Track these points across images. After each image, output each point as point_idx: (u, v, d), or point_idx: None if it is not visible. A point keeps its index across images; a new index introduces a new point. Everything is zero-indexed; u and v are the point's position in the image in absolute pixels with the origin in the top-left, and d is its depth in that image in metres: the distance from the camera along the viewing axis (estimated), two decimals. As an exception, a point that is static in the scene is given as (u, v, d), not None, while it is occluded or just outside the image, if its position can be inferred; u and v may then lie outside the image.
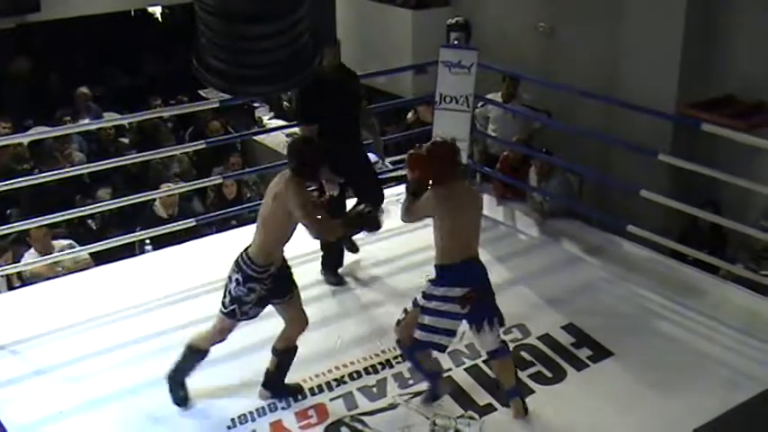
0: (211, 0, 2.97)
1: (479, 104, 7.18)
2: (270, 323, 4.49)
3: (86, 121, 9.01)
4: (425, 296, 4.19)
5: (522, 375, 4.63)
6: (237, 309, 4.27)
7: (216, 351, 4.53)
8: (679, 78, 7.12)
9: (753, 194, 5.49)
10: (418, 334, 4.20)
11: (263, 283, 4.25)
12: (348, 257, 5.78)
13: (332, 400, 4.51)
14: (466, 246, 4.18)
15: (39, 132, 7.74)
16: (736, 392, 4.44)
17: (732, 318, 5.08)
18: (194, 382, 4.56)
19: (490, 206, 6.71)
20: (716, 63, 7.09)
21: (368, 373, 4.70)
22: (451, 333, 4.22)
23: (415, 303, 4.28)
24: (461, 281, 4.12)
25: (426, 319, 4.17)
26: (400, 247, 6.03)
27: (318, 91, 5.22)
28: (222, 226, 6.83)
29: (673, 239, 5.95)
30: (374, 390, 4.57)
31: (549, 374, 4.69)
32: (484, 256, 5.73)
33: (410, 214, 4.34)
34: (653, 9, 7.23)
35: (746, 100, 6.90)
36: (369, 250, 5.89)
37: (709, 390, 4.49)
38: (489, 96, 7.27)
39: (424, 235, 6.08)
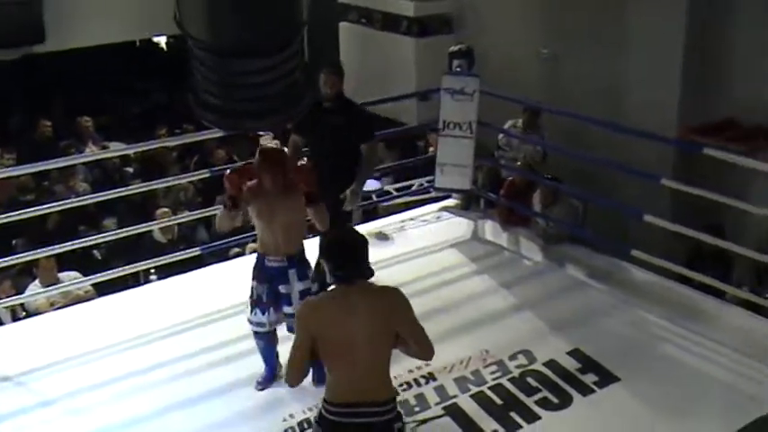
0: (204, 36, 2.97)
1: (500, 136, 7.27)
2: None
3: (89, 150, 9.04)
4: None
5: (529, 401, 4.62)
6: None
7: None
8: (679, 103, 7.16)
9: (757, 217, 5.49)
10: None
11: None
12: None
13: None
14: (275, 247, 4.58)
15: (43, 163, 7.73)
16: (742, 416, 4.41)
17: (737, 341, 5.05)
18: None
19: (494, 232, 6.73)
20: (715, 87, 7.12)
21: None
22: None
23: None
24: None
25: None
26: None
27: (312, 113, 4.70)
28: (220, 256, 6.73)
29: (678, 263, 5.93)
30: None
31: (555, 400, 4.66)
32: (488, 282, 5.83)
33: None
34: (653, 35, 7.29)
35: (746, 123, 6.93)
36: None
37: (715, 414, 4.46)
38: (509, 124, 7.34)
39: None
